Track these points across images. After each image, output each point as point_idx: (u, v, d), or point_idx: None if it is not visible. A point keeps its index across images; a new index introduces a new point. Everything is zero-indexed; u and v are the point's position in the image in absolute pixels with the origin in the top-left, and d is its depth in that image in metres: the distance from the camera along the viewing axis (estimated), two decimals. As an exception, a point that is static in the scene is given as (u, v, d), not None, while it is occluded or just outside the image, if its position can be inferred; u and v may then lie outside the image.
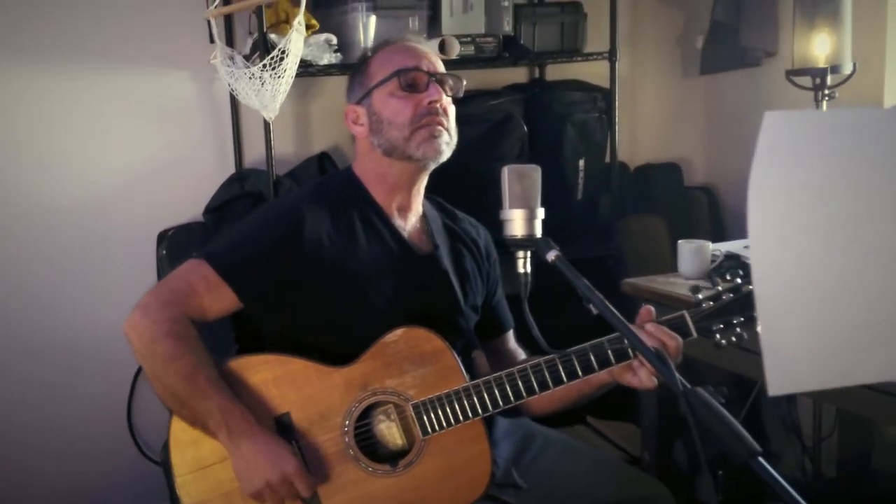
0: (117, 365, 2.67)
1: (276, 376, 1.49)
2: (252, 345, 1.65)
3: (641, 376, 1.43)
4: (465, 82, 1.62)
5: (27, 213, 2.59)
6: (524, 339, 1.67)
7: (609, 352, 1.44)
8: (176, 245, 2.57)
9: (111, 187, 2.67)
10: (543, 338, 1.40)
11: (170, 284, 1.51)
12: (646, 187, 3.06)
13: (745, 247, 2.42)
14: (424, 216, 1.68)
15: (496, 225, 1.44)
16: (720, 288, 1.44)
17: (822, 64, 2.45)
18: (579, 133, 2.77)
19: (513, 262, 1.42)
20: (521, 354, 1.74)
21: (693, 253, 2.35)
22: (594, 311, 1.25)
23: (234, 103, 2.72)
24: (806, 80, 2.50)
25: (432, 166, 1.60)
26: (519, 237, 1.40)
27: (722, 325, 1.42)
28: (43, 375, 2.64)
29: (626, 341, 1.41)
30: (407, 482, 1.48)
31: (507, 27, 2.60)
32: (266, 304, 1.54)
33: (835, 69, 2.43)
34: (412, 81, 1.56)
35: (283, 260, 1.51)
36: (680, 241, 2.39)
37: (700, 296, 1.45)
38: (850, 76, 2.43)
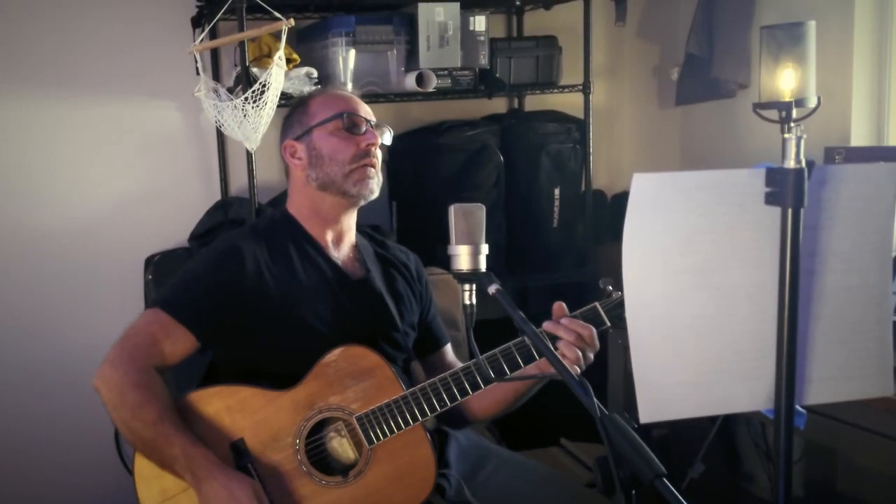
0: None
1: (228, 405, 1.63)
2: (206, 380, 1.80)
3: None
4: (392, 132, 1.82)
5: (17, 239, 2.73)
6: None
7: (516, 354, 1.59)
8: (162, 270, 2.70)
9: (100, 214, 2.81)
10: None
11: (132, 339, 1.65)
12: (622, 215, 3.17)
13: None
14: (357, 246, 1.84)
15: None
16: None
17: (787, 98, 2.57)
18: (554, 162, 2.90)
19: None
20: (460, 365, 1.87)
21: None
22: (528, 341, 1.38)
23: (220, 133, 2.86)
24: (772, 114, 2.62)
25: (362, 203, 1.77)
26: (464, 271, 1.52)
27: None
28: (31, 396, 2.77)
29: (527, 342, 1.57)
30: (359, 490, 1.61)
31: (483, 60, 2.73)
32: (219, 338, 1.70)
33: (800, 103, 2.56)
34: (354, 123, 1.74)
35: (228, 296, 1.66)
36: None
37: (610, 287, 1.61)
38: (814, 110, 2.55)
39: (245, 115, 2.52)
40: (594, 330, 1.57)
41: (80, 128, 2.76)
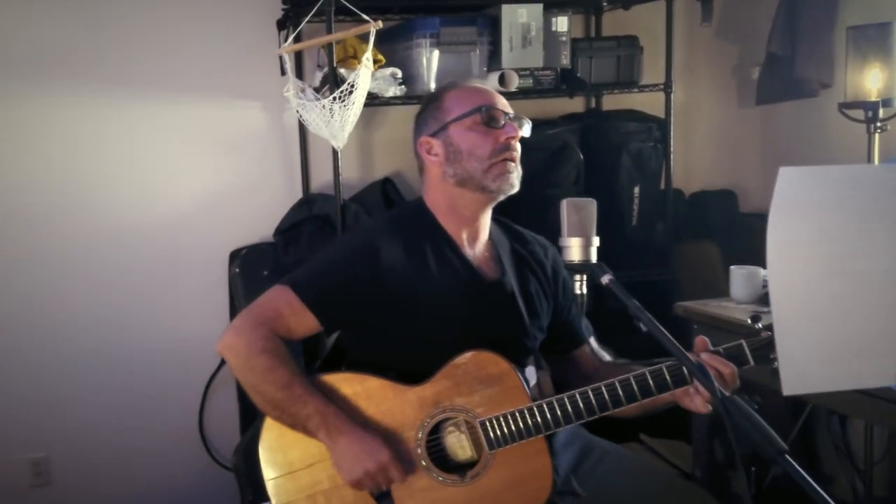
0: (190, 375, 2.99)
1: (355, 392, 1.71)
2: (329, 360, 1.91)
3: (697, 402, 1.60)
4: (530, 123, 1.82)
5: (110, 233, 2.91)
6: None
7: (667, 376, 1.61)
8: (249, 263, 2.86)
9: (187, 210, 2.98)
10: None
11: (258, 309, 1.71)
12: (700, 213, 3.27)
13: (797, 274, 2.62)
14: (492, 242, 1.86)
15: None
16: None
17: (873, 98, 2.64)
18: (634, 161, 2.99)
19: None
20: (606, 356, 1.93)
21: (745, 278, 2.55)
22: (644, 328, 1.48)
23: (303, 132, 3.01)
24: (858, 113, 2.69)
25: (501, 198, 1.79)
26: (576, 262, 1.64)
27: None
28: (120, 385, 2.95)
29: (683, 367, 1.59)
30: (473, 492, 1.67)
31: (565, 60, 2.84)
32: (344, 329, 1.78)
33: (886, 102, 2.62)
34: (492, 117, 1.74)
35: (360, 289, 1.71)
36: (732, 267, 2.60)
37: (759, 325, 1.57)
38: (902, 109, 2.61)
39: (332, 114, 2.66)
40: (736, 369, 1.56)
41: (168, 127, 2.94)
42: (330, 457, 1.68)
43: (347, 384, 1.72)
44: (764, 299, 2.55)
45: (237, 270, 2.86)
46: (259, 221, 2.99)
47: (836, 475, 2.99)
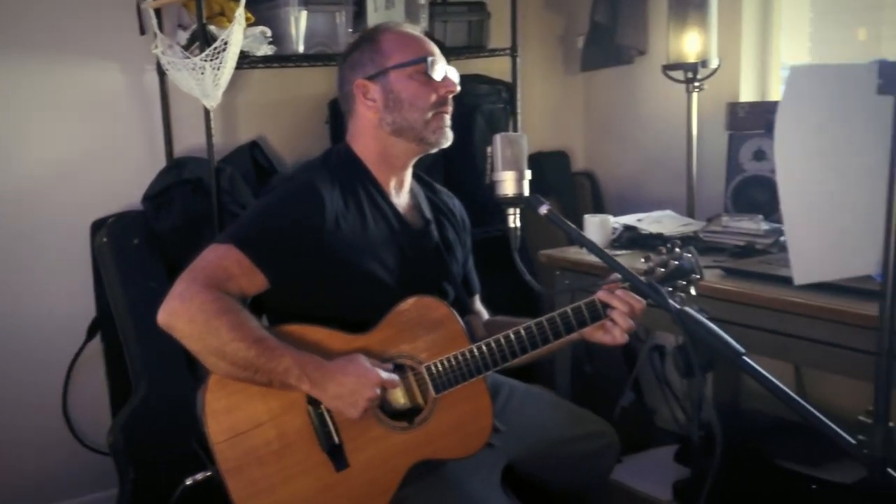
0: (52, 356, 2.63)
1: (303, 344, 1.55)
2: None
3: (615, 334, 1.57)
4: (459, 78, 1.72)
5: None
6: (517, 285, 1.77)
7: (586, 314, 1.58)
8: (118, 232, 2.54)
9: (39, 181, 2.60)
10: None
11: (204, 271, 1.50)
12: (538, 173, 3.29)
13: (638, 220, 2.71)
14: (412, 191, 1.78)
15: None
16: (664, 257, 1.57)
17: (692, 59, 2.78)
18: (487, 122, 2.97)
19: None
20: (486, 315, 1.89)
21: (598, 225, 2.62)
22: (588, 254, 1.44)
23: (164, 94, 2.71)
24: (679, 74, 2.81)
25: (434, 151, 1.71)
26: (510, 195, 1.58)
27: (671, 288, 1.55)
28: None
29: (598, 304, 1.57)
30: (421, 436, 1.59)
31: (424, 23, 2.75)
32: (292, 284, 1.59)
33: (704, 64, 2.76)
34: (434, 69, 1.65)
35: (307, 241, 1.56)
36: (586, 216, 2.66)
37: (651, 264, 1.59)
38: (716, 70, 2.76)
39: (203, 73, 2.41)
40: (645, 303, 1.55)
41: (15, 92, 2.54)
42: (324, 403, 1.53)
43: (293, 337, 1.55)
44: (613, 244, 2.62)
45: (105, 241, 2.53)
46: (121, 189, 2.67)
47: (658, 407, 3.09)
